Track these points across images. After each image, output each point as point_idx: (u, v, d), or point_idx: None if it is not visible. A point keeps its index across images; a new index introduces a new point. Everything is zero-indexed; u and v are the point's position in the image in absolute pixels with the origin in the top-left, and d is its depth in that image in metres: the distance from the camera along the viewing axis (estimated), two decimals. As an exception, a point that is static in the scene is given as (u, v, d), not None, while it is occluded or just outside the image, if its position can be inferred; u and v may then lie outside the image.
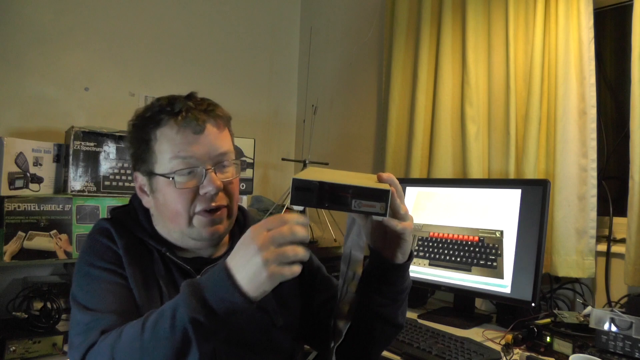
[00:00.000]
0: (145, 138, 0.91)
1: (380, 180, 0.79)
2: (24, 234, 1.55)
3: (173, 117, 0.89)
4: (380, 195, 0.72)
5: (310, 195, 0.72)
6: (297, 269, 0.69)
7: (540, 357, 1.23)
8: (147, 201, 0.96)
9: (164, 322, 0.72)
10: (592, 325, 1.22)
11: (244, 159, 2.10)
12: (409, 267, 0.89)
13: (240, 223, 1.03)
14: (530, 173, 1.65)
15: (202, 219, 0.91)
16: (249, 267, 0.69)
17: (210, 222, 0.91)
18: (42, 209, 1.59)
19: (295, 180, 0.72)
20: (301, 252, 0.69)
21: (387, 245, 0.85)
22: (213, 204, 0.91)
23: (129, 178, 1.79)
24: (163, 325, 0.71)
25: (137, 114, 0.95)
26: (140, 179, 0.95)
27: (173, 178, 0.89)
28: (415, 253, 1.72)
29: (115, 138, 1.77)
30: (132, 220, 0.97)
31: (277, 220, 0.69)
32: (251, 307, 0.70)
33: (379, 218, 0.74)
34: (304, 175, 0.74)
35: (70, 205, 1.64)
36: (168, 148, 0.89)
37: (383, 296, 0.90)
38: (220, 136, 0.93)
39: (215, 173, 0.91)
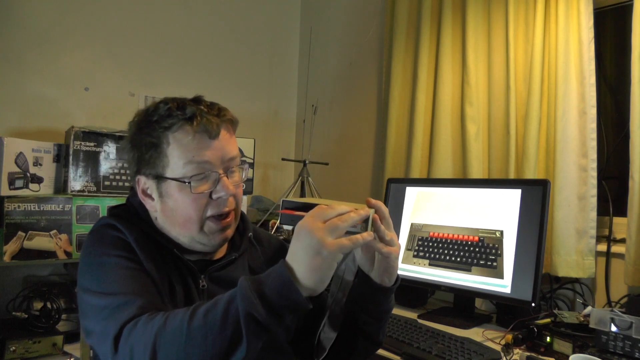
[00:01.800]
0: (154, 142, 0.90)
1: (368, 204, 0.84)
2: (24, 234, 1.55)
3: (187, 122, 0.88)
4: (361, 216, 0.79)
5: (298, 215, 0.81)
6: (357, 238, 0.73)
7: (540, 357, 1.23)
8: (151, 205, 0.94)
9: (216, 312, 0.70)
10: (592, 325, 1.22)
11: (244, 158, 2.10)
12: (394, 291, 0.95)
13: (240, 227, 1.04)
14: (530, 173, 1.65)
15: (212, 226, 0.91)
16: (308, 251, 0.70)
17: (220, 230, 0.93)
18: (42, 209, 1.59)
19: (284, 202, 0.80)
20: (352, 217, 0.74)
21: (375, 269, 0.90)
22: (224, 209, 0.92)
23: (129, 178, 1.79)
24: (214, 316, 0.69)
25: (140, 116, 0.93)
26: (144, 182, 0.93)
27: (189, 183, 0.88)
28: (415, 253, 1.72)
29: (115, 138, 1.77)
30: (135, 217, 0.96)
31: (321, 209, 0.73)
32: (308, 305, 0.70)
33: None
34: (295, 199, 0.82)
35: (70, 205, 1.64)
36: (181, 153, 0.88)
37: (369, 315, 0.96)
38: (231, 141, 0.94)
39: (228, 178, 0.92)
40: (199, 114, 0.89)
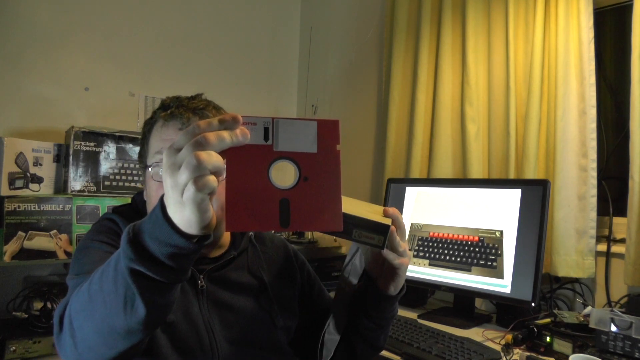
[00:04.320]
0: (145, 134, 0.96)
1: (385, 214, 0.83)
2: (24, 234, 1.55)
3: (163, 112, 0.93)
4: (380, 229, 0.77)
5: None
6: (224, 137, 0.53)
7: (540, 357, 1.23)
8: (144, 194, 0.99)
9: (108, 273, 0.61)
10: (592, 325, 1.22)
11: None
12: (398, 299, 0.94)
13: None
14: (530, 173, 1.65)
15: None
16: (173, 193, 0.54)
17: None
18: (42, 209, 1.59)
19: None
20: (215, 137, 0.52)
21: (383, 276, 0.90)
22: None
23: (129, 178, 1.79)
24: (107, 277, 0.61)
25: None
26: (142, 174, 0.99)
27: (150, 169, 0.91)
28: (415, 253, 1.72)
29: (115, 138, 1.77)
30: (137, 215, 0.96)
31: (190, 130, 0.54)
32: (195, 246, 0.57)
33: (377, 250, 0.79)
34: None
35: (70, 205, 1.64)
36: (154, 142, 0.93)
37: (370, 320, 0.95)
38: None
39: None
40: (175, 106, 0.92)
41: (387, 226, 0.77)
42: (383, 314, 0.94)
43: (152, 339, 0.82)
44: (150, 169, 0.91)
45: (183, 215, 0.54)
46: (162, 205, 0.56)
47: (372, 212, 0.84)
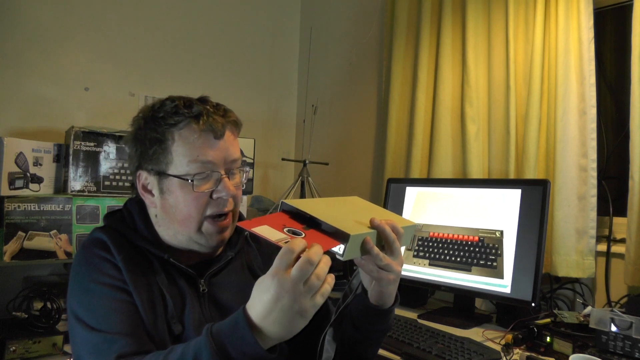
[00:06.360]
0: (159, 138, 0.89)
1: (371, 224, 0.81)
2: (24, 234, 1.55)
3: (194, 120, 0.88)
4: (342, 237, 0.75)
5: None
6: (328, 285, 0.71)
7: (540, 357, 1.23)
8: (151, 201, 0.94)
9: None
10: (592, 325, 1.22)
11: (244, 159, 2.10)
12: (387, 314, 0.92)
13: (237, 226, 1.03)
14: (530, 173, 1.65)
15: (210, 228, 0.91)
16: (286, 314, 0.67)
17: (218, 231, 0.92)
18: (42, 209, 1.59)
19: (282, 204, 0.80)
20: (324, 269, 0.70)
21: (372, 288, 0.89)
22: (224, 209, 0.92)
23: (129, 178, 1.79)
24: None
25: (145, 112, 0.93)
26: (145, 178, 0.93)
27: (192, 181, 0.88)
28: (415, 253, 1.72)
29: (115, 138, 1.77)
30: (129, 228, 0.94)
31: (288, 254, 0.68)
32: (276, 357, 0.71)
33: (339, 258, 0.77)
34: (299, 204, 0.80)
35: (70, 205, 1.64)
36: (186, 151, 0.88)
37: (356, 331, 0.93)
38: (234, 143, 0.95)
39: (229, 179, 0.92)
40: (205, 113, 0.89)
41: (348, 235, 0.74)
42: (369, 326, 0.92)
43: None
44: (192, 181, 0.88)
45: (293, 325, 0.68)
46: (248, 322, 0.69)
47: (360, 219, 0.81)
